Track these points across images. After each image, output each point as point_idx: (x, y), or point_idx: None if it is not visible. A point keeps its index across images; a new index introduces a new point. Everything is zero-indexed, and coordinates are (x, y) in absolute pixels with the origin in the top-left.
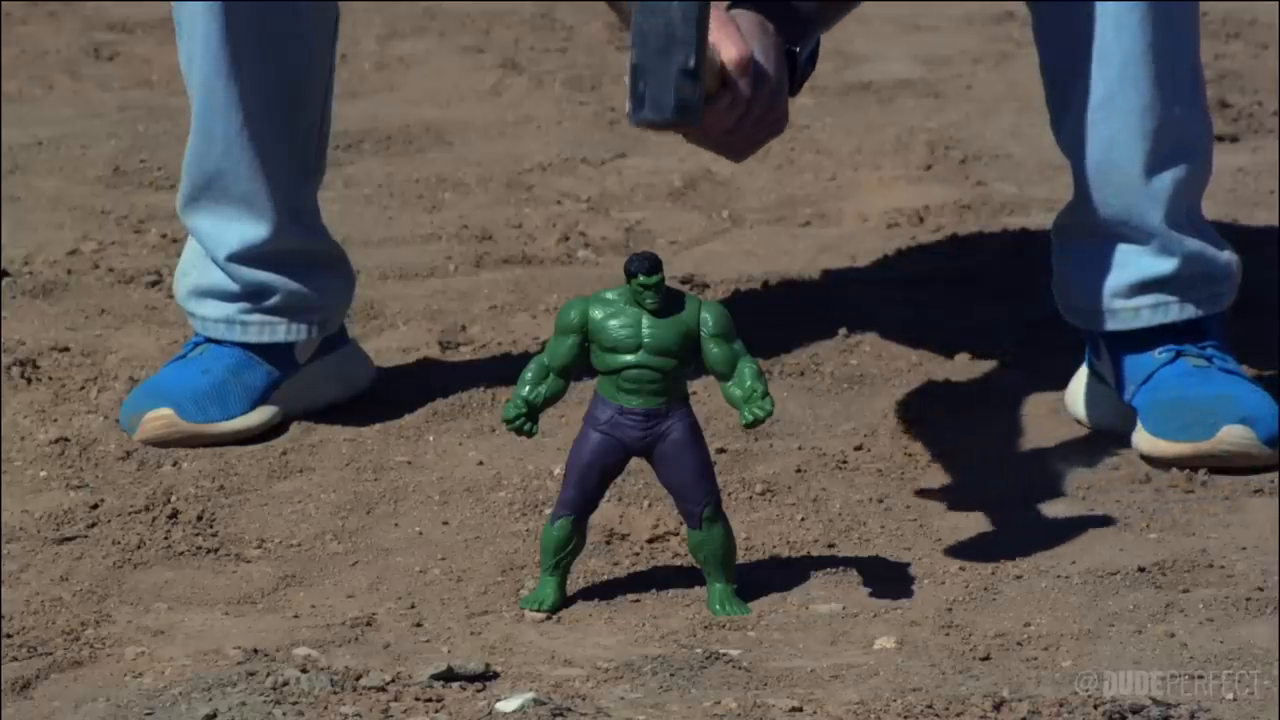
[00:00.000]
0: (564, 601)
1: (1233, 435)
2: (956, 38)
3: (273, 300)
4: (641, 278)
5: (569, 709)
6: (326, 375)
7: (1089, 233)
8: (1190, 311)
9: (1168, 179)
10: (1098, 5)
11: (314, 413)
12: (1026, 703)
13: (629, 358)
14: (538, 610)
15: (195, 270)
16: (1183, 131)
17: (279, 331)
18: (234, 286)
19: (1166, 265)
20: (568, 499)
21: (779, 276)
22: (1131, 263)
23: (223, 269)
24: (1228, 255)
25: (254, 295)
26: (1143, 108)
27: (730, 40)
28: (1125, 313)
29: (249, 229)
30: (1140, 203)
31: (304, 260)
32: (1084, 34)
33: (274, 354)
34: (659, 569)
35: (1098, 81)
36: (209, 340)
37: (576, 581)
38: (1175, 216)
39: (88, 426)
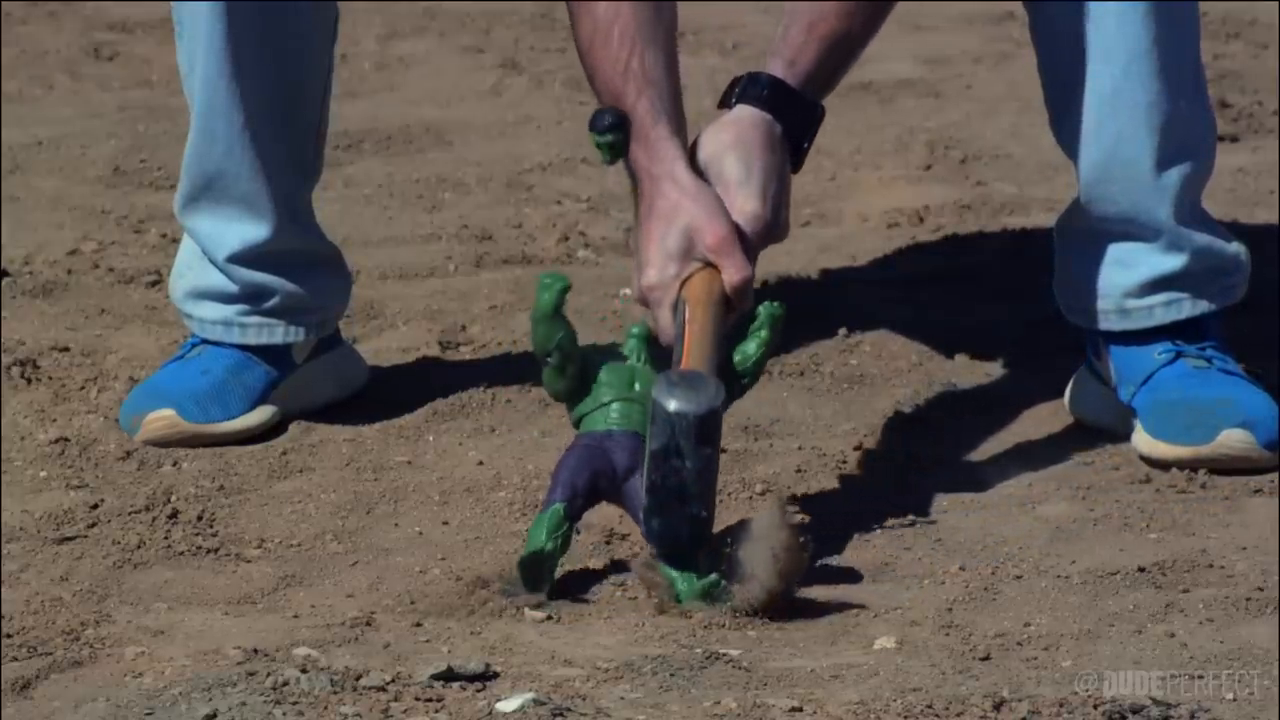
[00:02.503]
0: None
1: (1232, 439)
2: (956, 38)
3: (271, 302)
4: (594, 135)
5: (569, 709)
6: (323, 375)
7: (1095, 232)
8: (1204, 306)
9: (1175, 174)
10: (1100, 3)
11: (311, 412)
12: (1026, 703)
13: (621, 394)
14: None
15: (192, 271)
16: (1188, 127)
17: (277, 333)
18: (232, 288)
19: (1176, 261)
20: (557, 495)
21: (779, 276)
22: (1141, 261)
23: (222, 270)
24: (1235, 247)
25: (253, 297)
26: (1149, 103)
27: (733, 264)
28: (1138, 312)
29: (249, 229)
30: (1148, 199)
31: (302, 261)
32: (1086, 32)
33: (272, 354)
34: None
35: (1103, 78)
36: (206, 341)
37: (577, 581)
38: (1181, 212)
39: (88, 426)
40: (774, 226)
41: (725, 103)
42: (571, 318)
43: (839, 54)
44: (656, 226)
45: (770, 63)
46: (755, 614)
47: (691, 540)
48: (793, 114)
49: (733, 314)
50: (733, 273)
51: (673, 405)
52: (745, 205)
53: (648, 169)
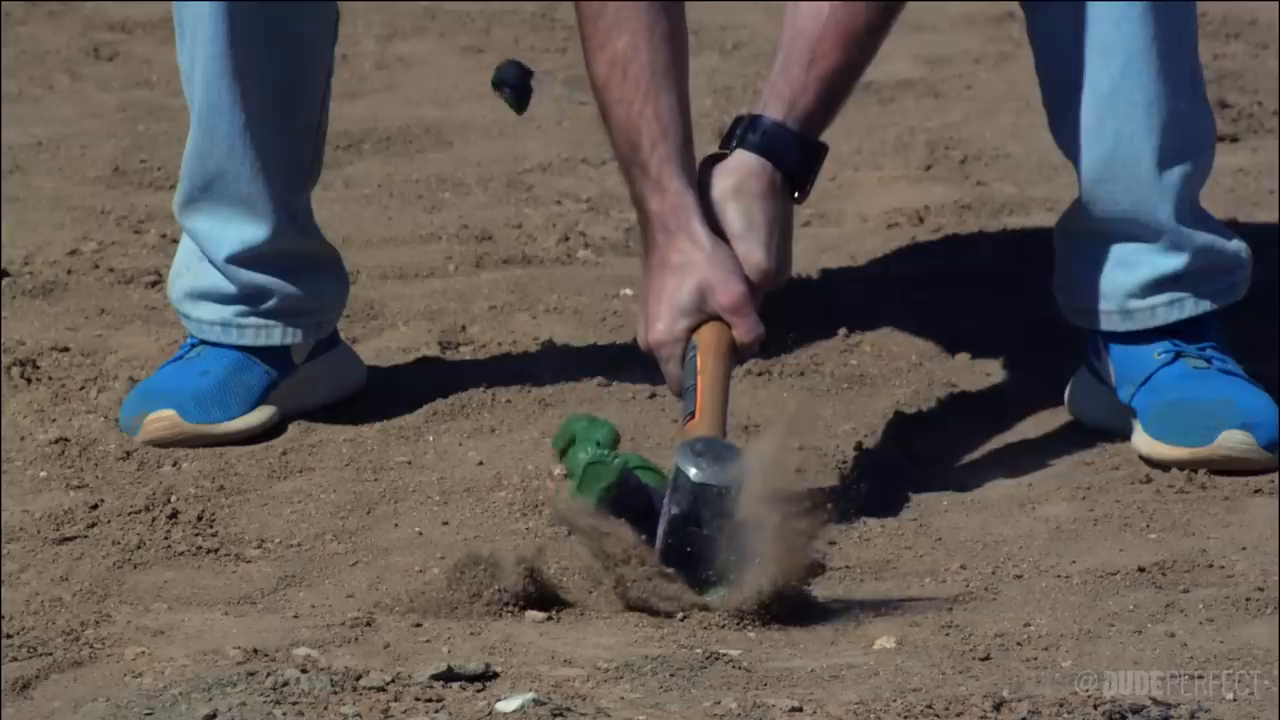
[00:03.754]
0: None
1: (1232, 440)
2: (956, 38)
3: (269, 303)
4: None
5: (569, 709)
6: (322, 375)
7: (1096, 233)
8: (1206, 305)
9: (1176, 173)
10: (1097, 4)
11: (309, 413)
12: (1026, 703)
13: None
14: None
15: (189, 272)
16: (1188, 125)
17: (274, 335)
18: (230, 289)
19: (1177, 261)
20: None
21: None
22: (1144, 261)
23: (220, 270)
24: (1236, 245)
25: (251, 298)
26: (1147, 103)
27: (746, 325)
28: (1141, 313)
29: (248, 230)
30: (1149, 198)
31: (301, 262)
32: (1083, 32)
33: (271, 355)
34: None
35: (1101, 78)
36: (203, 342)
37: (577, 581)
38: (1182, 211)
39: (88, 426)
40: (777, 275)
41: (725, 145)
42: (571, 318)
43: (839, 87)
44: (669, 281)
45: (769, 104)
46: (756, 609)
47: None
48: (793, 157)
49: (739, 362)
50: (745, 333)
51: (695, 475)
52: (749, 256)
53: (663, 222)
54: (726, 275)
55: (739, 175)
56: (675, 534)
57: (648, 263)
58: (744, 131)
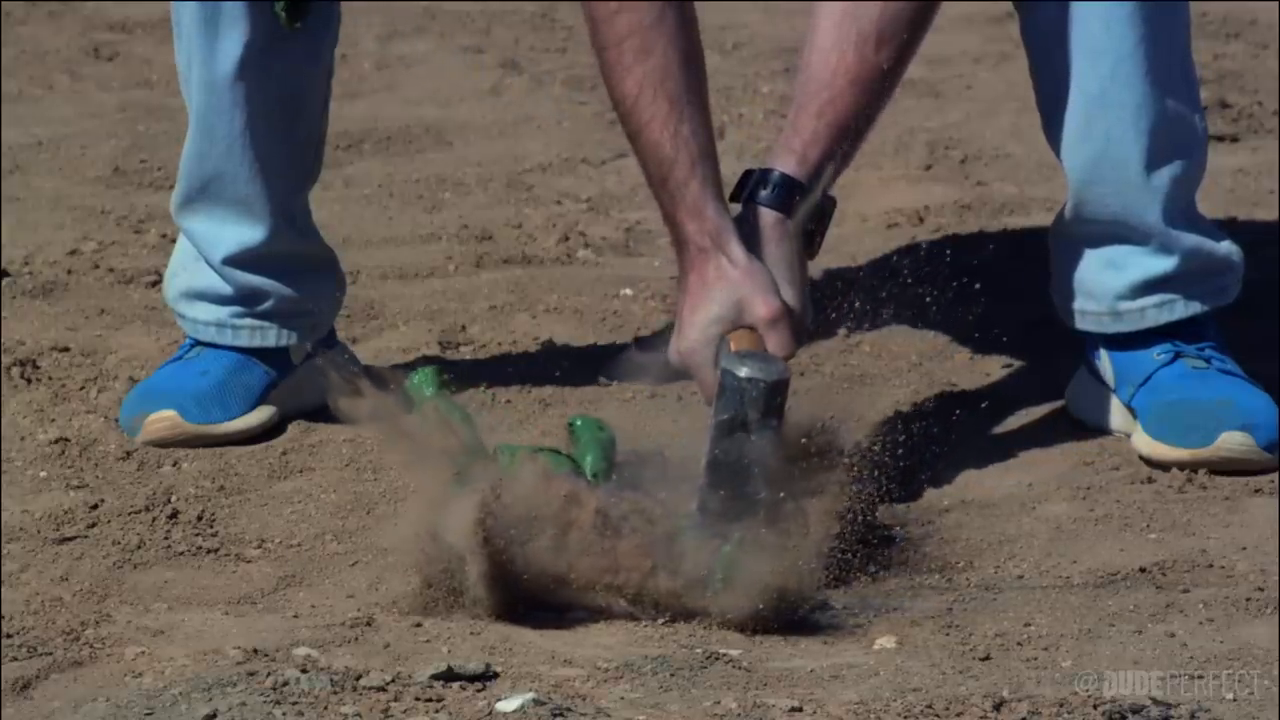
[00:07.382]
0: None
1: (1232, 442)
2: (956, 38)
3: (265, 305)
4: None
5: (569, 709)
6: (320, 376)
7: (1086, 235)
8: (1196, 308)
9: (1165, 175)
10: (1086, 5)
11: (309, 413)
12: (1026, 703)
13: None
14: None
15: (186, 272)
16: (1178, 127)
17: (269, 336)
18: (227, 289)
19: (1167, 263)
20: None
21: None
22: (1134, 263)
23: (217, 271)
24: (1227, 246)
25: (247, 299)
26: (1136, 104)
27: (779, 340)
28: (1131, 314)
29: (245, 231)
30: (1139, 200)
31: (297, 264)
32: (1074, 33)
33: (270, 355)
34: None
35: (1090, 79)
36: (199, 343)
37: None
38: (1172, 213)
39: (88, 426)
40: (803, 316)
41: (736, 198)
42: (571, 318)
43: (851, 135)
44: (705, 296)
45: (781, 155)
46: (754, 605)
47: (746, 523)
48: (804, 210)
49: None
50: (778, 347)
51: (744, 371)
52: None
53: (699, 243)
54: (764, 290)
55: (752, 224)
56: (720, 443)
57: (684, 281)
58: (755, 185)
